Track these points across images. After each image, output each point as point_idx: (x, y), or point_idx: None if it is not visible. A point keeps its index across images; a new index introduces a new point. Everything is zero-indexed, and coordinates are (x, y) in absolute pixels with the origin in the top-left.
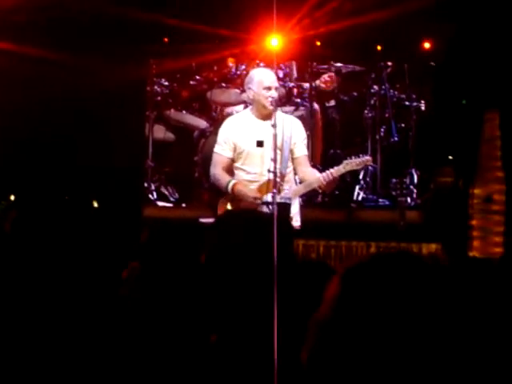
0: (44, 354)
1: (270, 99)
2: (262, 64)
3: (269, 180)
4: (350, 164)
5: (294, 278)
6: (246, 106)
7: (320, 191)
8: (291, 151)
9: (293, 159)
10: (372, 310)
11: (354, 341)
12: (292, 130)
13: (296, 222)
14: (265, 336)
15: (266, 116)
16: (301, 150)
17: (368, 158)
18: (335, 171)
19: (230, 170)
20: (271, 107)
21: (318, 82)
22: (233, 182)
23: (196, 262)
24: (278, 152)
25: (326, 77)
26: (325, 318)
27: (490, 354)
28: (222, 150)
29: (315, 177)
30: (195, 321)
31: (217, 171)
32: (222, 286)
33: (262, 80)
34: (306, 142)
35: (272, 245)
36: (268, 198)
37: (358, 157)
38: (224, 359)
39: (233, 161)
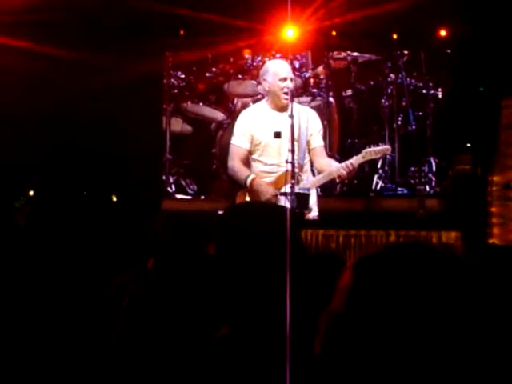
0: (61, 346)
1: (285, 90)
2: (278, 55)
3: (286, 171)
4: (369, 153)
5: (302, 270)
6: (262, 97)
7: (338, 181)
8: (308, 142)
9: (309, 150)
10: (385, 302)
11: (367, 332)
12: (308, 121)
13: (314, 212)
14: (276, 327)
15: (282, 107)
16: (317, 140)
17: (387, 146)
18: (355, 161)
19: (247, 162)
20: (286, 98)
21: (331, 62)
22: (251, 176)
23: (208, 254)
24: (296, 143)
25: (334, 54)
26: (338, 308)
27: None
28: (239, 141)
29: (335, 167)
30: (206, 313)
31: (234, 163)
32: (233, 277)
33: (277, 71)
34: (322, 132)
35: (279, 236)
36: (286, 188)
37: (377, 145)
38: (236, 351)
39: (250, 152)
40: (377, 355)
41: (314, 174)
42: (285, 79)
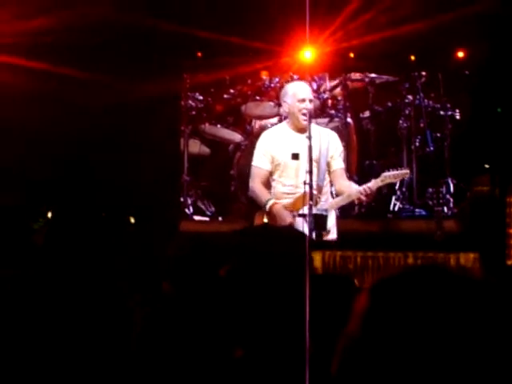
0: (72, 364)
1: (303, 111)
2: (295, 76)
3: (305, 192)
4: (389, 177)
5: (311, 292)
6: (280, 119)
7: (357, 203)
8: (328, 164)
9: (329, 172)
10: (401, 326)
11: (382, 356)
12: (329, 143)
13: (332, 234)
14: (290, 349)
15: (302, 129)
16: (338, 162)
17: (406, 170)
18: (372, 184)
19: (267, 183)
20: (305, 119)
21: (348, 83)
22: (272, 201)
23: (222, 275)
24: (315, 164)
25: (352, 75)
26: (354, 332)
27: None
28: (260, 162)
29: (354, 190)
30: (219, 334)
31: (255, 184)
32: (246, 298)
33: (296, 92)
34: (342, 154)
35: (293, 259)
36: (304, 210)
37: (396, 169)
38: (251, 373)
39: (271, 173)
40: (392, 378)
41: (333, 196)
42: (303, 100)
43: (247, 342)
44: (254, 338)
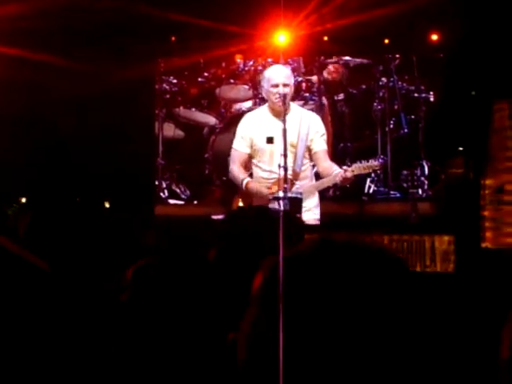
0: (57, 356)
1: (277, 96)
2: (269, 60)
3: (279, 176)
4: (358, 168)
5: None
6: (254, 102)
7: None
8: (308, 148)
9: (311, 155)
10: (300, 303)
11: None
12: (309, 127)
13: (315, 215)
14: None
15: (279, 112)
16: (318, 145)
17: (376, 163)
18: (349, 173)
19: (247, 166)
20: (279, 103)
21: (324, 73)
22: (247, 179)
23: (206, 259)
24: (292, 149)
25: (331, 68)
26: (254, 314)
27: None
28: (239, 145)
29: (331, 176)
30: (207, 320)
31: (234, 167)
32: (233, 282)
33: (271, 77)
34: (325, 137)
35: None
36: (280, 193)
37: (367, 161)
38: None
39: (250, 157)
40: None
41: (314, 180)
42: (277, 85)
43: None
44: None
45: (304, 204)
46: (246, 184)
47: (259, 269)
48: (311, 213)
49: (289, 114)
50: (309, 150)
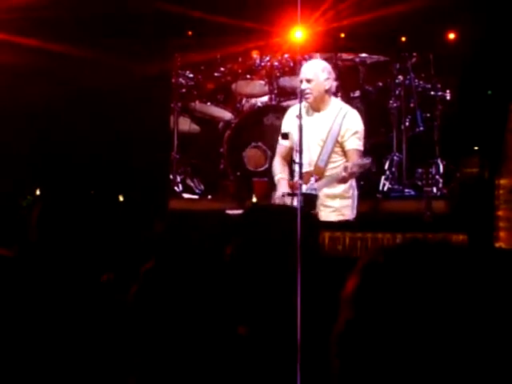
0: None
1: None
2: (286, 56)
3: (306, 172)
4: (351, 167)
5: (317, 272)
6: (270, 98)
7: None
8: (341, 145)
9: (344, 152)
10: (396, 304)
11: (380, 338)
12: (342, 123)
13: (338, 216)
14: (289, 329)
15: (313, 108)
16: (350, 142)
17: (367, 161)
18: (333, 179)
19: (288, 160)
20: (306, 98)
21: (339, 63)
22: (277, 176)
23: (221, 254)
24: (322, 143)
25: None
26: (347, 317)
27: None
28: (280, 138)
29: (326, 177)
30: (221, 314)
31: (274, 161)
32: (249, 278)
33: (300, 73)
34: (358, 135)
35: (295, 238)
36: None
37: (361, 160)
38: (254, 350)
39: (291, 150)
40: (388, 361)
41: None
42: (301, 81)
43: (252, 320)
44: (258, 316)
45: (331, 203)
46: (277, 180)
47: (352, 271)
48: (336, 213)
49: (327, 108)
50: (341, 147)
